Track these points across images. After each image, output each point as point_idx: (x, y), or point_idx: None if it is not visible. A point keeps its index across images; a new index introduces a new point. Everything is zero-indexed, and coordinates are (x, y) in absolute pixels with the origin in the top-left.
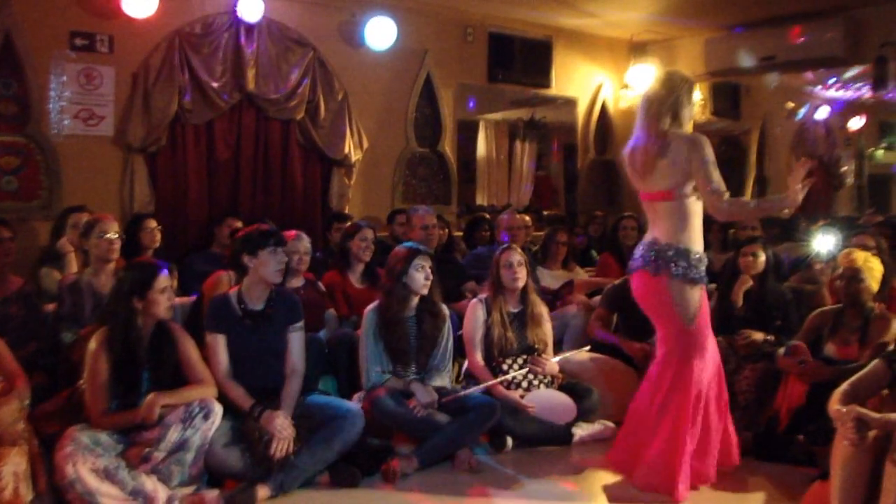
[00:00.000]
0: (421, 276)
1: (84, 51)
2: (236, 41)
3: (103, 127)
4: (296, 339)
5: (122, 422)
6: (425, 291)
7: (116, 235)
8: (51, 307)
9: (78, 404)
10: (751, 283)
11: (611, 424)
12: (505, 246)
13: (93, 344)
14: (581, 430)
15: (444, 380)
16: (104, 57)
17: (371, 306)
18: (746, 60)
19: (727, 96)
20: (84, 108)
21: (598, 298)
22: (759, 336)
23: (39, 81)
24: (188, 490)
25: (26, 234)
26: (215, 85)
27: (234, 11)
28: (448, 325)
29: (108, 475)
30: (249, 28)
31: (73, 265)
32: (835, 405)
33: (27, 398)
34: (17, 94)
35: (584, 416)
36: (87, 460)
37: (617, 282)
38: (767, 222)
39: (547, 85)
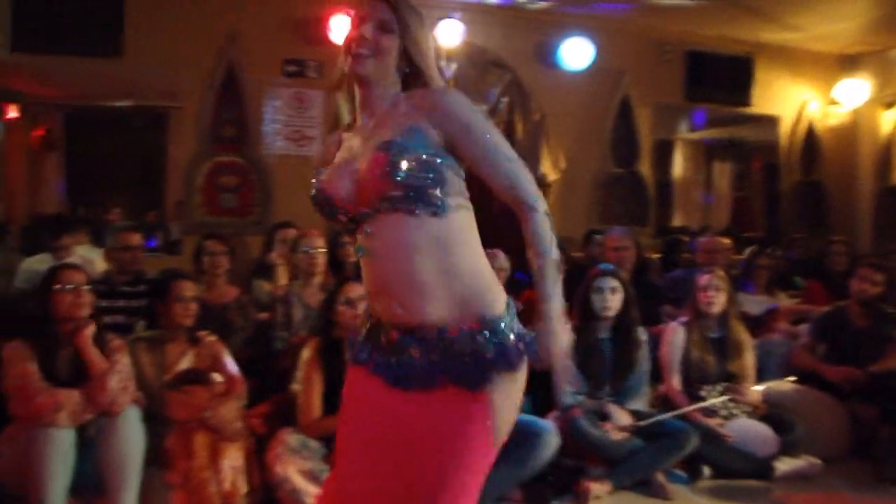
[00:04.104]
0: (600, 298)
1: (295, 76)
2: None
3: (312, 147)
4: None
5: (333, 427)
6: (608, 314)
7: (320, 251)
8: (263, 316)
9: (287, 408)
10: None
11: (817, 461)
12: (706, 269)
13: (306, 353)
14: (783, 465)
15: (639, 403)
16: (313, 81)
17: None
18: None
19: None
20: (295, 130)
21: (803, 326)
22: None
23: (255, 106)
24: None
25: (242, 248)
26: None
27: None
28: (645, 348)
29: (313, 477)
30: (448, 51)
31: (283, 277)
32: None
33: (245, 399)
34: (237, 118)
35: (786, 449)
36: (294, 462)
37: (827, 309)
38: None
39: (747, 103)
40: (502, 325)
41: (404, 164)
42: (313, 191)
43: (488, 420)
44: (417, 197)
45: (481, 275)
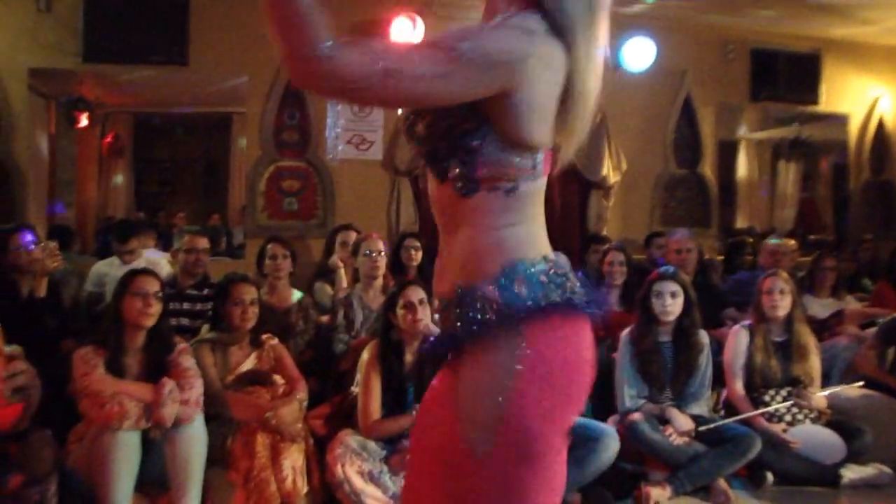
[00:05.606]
0: (660, 302)
1: None
2: None
3: (373, 151)
4: None
5: (392, 429)
6: (668, 318)
7: (380, 254)
8: (324, 319)
9: (347, 410)
10: None
11: (887, 469)
12: (771, 271)
13: (366, 356)
14: (851, 473)
15: (701, 408)
16: None
17: (626, 330)
18: None
19: None
20: (356, 134)
21: (871, 330)
22: None
23: (318, 111)
24: None
25: (304, 251)
26: None
27: None
28: (707, 352)
29: (372, 478)
30: None
31: (344, 280)
32: None
33: (305, 400)
34: (300, 123)
35: (854, 457)
36: (354, 463)
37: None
38: None
39: (814, 101)
40: (505, 280)
41: (421, 123)
42: None
43: (459, 413)
44: (436, 164)
45: (508, 238)
